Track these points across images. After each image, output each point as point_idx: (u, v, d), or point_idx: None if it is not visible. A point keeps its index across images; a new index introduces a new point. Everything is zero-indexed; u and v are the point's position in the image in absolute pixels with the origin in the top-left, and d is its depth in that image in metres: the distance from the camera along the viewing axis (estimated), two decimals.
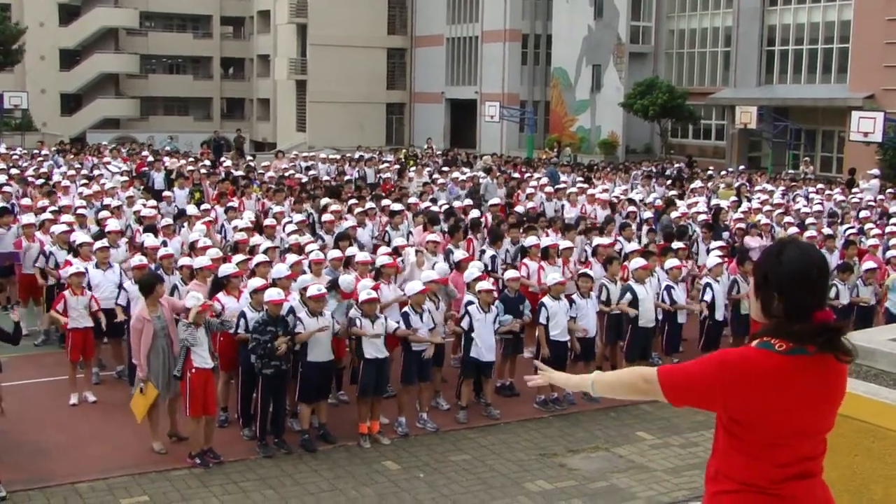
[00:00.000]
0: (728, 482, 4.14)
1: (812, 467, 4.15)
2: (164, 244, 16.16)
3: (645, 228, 20.51)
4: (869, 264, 17.04)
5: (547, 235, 18.31)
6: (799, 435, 4.07)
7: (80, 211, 19.35)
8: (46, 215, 18.68)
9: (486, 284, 13.62)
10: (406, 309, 12.92)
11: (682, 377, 4.08)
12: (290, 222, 18.67)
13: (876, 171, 35.19)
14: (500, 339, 14.34)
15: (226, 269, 13.32)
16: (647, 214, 22.38)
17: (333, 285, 13.31)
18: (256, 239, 16.71)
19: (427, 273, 13.77)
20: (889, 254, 17.79)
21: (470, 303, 13.48)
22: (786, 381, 3.94)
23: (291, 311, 12.40)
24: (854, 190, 30.83)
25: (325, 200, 21.98)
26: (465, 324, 13.37)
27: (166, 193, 25.24)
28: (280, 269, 13.17)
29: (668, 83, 51.57)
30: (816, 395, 4.02)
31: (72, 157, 35.84)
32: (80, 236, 16.01)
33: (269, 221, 18.82)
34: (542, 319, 13.79)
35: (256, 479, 11.21)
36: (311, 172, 32.90)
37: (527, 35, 63.52)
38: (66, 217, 18.40)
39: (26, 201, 21.41)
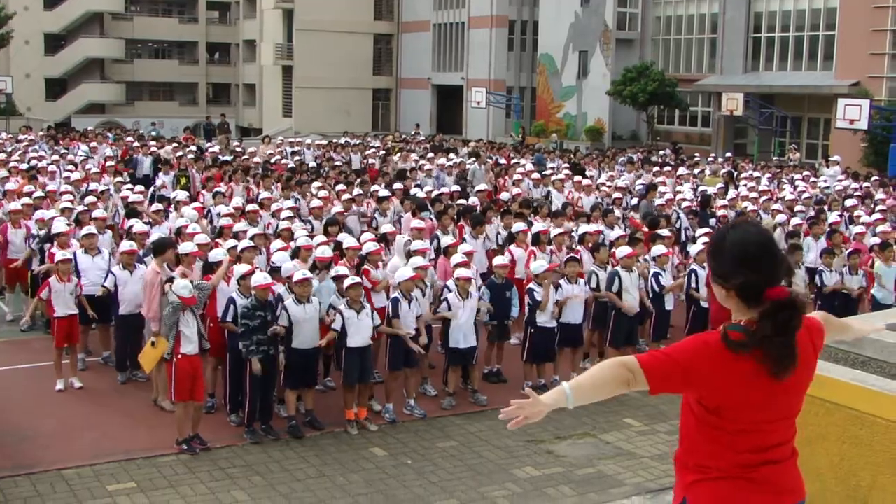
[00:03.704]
0: (702, 470, 4.14)
1: (784, 452, 4.16)
2: (149, 225, 16.13)
3: (633, 215, 20.54)
4: (850, 249, 17.11)
5: (535, 221, 18.32)
6: (771, 420, 4.07)
7: (66, 197, 19.20)
8: (28, 200, 18.55)
9: (465, 272, 13.56)
10: (396, 294, 12.90)
11: (665, 362, 3.99)
12: (283, 209, 18.57)
13: (837, 158, 35.28)
14: (486, 325, 14.38)
15: (216, 255, 13.31)
16: (634, 201, 22.43)
17: (313, 267, 13.33)
18: (242, 225, 16.67)
19: (414, 260, 13.74)
20: (874, 241, 17.85)
21: (447, 289, 13.52)
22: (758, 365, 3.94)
23: (279, 298, 12.41)
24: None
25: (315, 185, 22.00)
26: (443, 309, 13.36)
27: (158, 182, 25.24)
28: (282, 258, 13.22)
29: (661, 72, 51.56)
30: (787, 378, 4.00)
31: (51, 141, 35.73)
32: (58, 225, 15.77)
33: (251, 207, 18.63)
34: (531, 303, 13.85)
35: (244, 466, 11.20)
36: (297, 158, 32.81)
37: (513, 21, 63.48)
38: (64, 204, 18.25)
39: (11, 186, 21.31)
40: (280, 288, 12.70)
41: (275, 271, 12.87)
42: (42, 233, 16.39)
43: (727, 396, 3.97)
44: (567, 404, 4.02)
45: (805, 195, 24.93)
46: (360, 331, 12.31)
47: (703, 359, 3.95)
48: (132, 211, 17.95)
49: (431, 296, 14.10)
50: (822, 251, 17.11)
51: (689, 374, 3.96)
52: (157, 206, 18.45)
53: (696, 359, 3.96)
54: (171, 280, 11.91)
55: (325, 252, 13.59)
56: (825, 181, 29.50)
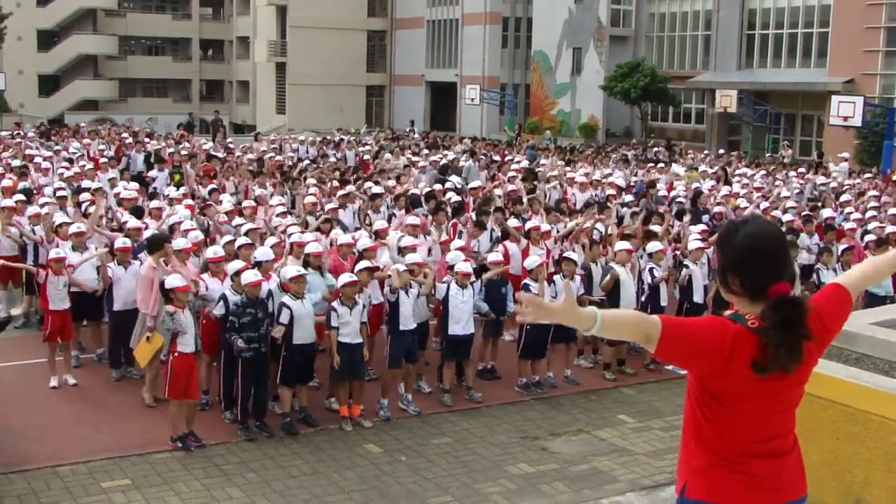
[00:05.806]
0: (701, 455, 4.21)
1: (784, 444, 4.19)
2: (146, 226, 16.08)
3: (628, 211, 20.54)
4: (844, 245, 17.14)
5: (530, 218, 18.32)
6: (769, 412, 4.10)
7: (59, 193, 19.17)
8: (21, 196, 18.49)
9: (465, 267, 13.61)
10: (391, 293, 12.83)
11: (684, 332, 4.03)
12: (278, 204, 18.57)
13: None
14: (480, 320, 14.36)
15: (211, 252, 13.29)
16: (629, 198, 22.44)
17: (305, 264, 13.27)
18: (237, 220, 16.68)
19: (409, 256, 13.73)
20: (867, 237, 17.88)
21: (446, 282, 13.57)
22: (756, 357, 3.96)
23: (271, 294, 12.37)
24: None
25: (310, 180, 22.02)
26: (440, 293, 13.43)
27: (152, 174, 25.23)
28: (265, 252, 13.10)
29: (651, 67, 51.61)
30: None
31: (42, 138, 35.63)
32: (59, 217, 15.89)
33: (247, 203, 18.70)
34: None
35: (238, 462, 11.19)
36: (291, 154, 32.77)
37: (507, 18, 63.54)
38: (45, 200, 18.23)
39: (6, 182, 21.23)
40: (272, 285, 12.64)
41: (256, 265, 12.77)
42: (37, 228, 16.40)
43: (728, 380, 4.00)
44: (593, 329, 3.89)
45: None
46: (351, 326, 12.27)
47: (717, 338, 3.98)
48: (136, 209, 17.85)
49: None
50: (820, 249, 17.16)
51: (699, 351, 4.00)
52: (156, 202, 18.41)
53: (710, 337, 3.99)
54: (166, 292, 11.79)
55: (316, 248, 13.53)
56: (821, 179, 29.49)
